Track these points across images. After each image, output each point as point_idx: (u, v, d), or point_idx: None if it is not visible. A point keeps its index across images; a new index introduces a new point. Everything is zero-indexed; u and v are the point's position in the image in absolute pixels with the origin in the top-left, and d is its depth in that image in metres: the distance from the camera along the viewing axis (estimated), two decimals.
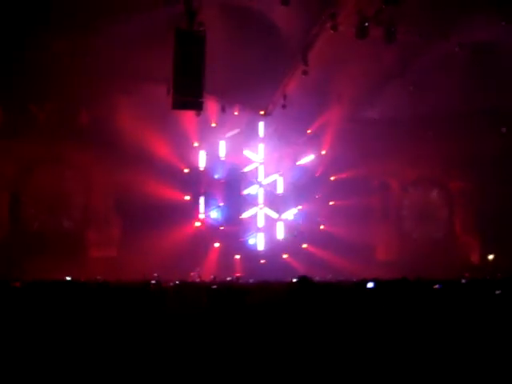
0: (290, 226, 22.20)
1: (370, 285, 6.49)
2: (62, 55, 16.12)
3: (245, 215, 21.99)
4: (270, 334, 3.15)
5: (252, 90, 18.07)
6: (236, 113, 20.50)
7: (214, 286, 9.52)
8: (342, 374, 3.01)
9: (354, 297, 5.46)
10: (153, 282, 11.37)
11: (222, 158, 21.74)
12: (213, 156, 21.70)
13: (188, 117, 19.07)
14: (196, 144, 21.35)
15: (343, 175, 21.53)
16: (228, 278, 15.17)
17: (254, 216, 22.08)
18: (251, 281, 13.84)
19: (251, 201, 22.17)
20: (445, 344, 3.60)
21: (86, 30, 14.85)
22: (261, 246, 21.87)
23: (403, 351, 3.39)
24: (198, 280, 16.41)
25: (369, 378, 3.08)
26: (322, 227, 22.05)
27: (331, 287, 5.05)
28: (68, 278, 12.63)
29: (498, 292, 6.65)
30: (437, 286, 7.18)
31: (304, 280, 4.29)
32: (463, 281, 8.36)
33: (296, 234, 21.92)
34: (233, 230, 21.57)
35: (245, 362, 3.05)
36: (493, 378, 3.43)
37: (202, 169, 21.63)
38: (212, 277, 15.93)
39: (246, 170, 22.12)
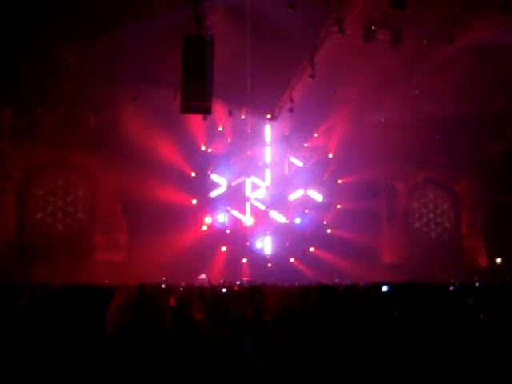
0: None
1: (385, 288, 6.44)
2: (69, 60, 16.17)
3: (252, 218, 22.00)
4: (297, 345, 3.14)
5: (259, 94, 18.05)
6: (243, 117, 20.53)
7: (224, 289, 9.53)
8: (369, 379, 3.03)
9: (372, 301, 5.44)
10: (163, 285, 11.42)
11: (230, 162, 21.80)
12: (220, 160, 21.72)
13: (195, 121, 19.11)
14: (203, 148, 21.39)
15: (350, 178, 21.52)
16: (237, 282, 15.14)
17: (261, 219, 22.09)
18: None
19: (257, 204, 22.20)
20: (465, 348, 3.60)
21: (94, 35, 14.87)
22: (268, 250, 21.87)
23: (425, 356, 3.39)
24: (207, 284, 16.36)
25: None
26: (329, 231, 22.04)
27: (347, 291, 5.04)
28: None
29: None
30: (452, 288, 7.15)
31: (325, 288, 4.30)
32: (477, 284, 8.33)
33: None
34: (240, 233, 21.56)
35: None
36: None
37: (209, 172, 21.67)
38: (222, 281, 15.90)
39: (253, 173, 22.15)
